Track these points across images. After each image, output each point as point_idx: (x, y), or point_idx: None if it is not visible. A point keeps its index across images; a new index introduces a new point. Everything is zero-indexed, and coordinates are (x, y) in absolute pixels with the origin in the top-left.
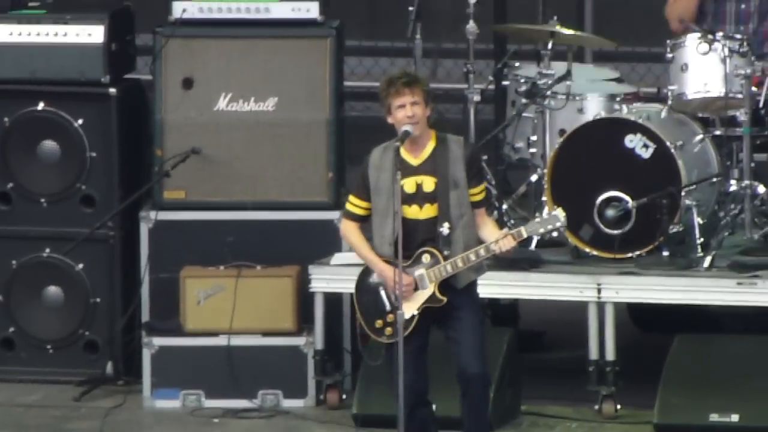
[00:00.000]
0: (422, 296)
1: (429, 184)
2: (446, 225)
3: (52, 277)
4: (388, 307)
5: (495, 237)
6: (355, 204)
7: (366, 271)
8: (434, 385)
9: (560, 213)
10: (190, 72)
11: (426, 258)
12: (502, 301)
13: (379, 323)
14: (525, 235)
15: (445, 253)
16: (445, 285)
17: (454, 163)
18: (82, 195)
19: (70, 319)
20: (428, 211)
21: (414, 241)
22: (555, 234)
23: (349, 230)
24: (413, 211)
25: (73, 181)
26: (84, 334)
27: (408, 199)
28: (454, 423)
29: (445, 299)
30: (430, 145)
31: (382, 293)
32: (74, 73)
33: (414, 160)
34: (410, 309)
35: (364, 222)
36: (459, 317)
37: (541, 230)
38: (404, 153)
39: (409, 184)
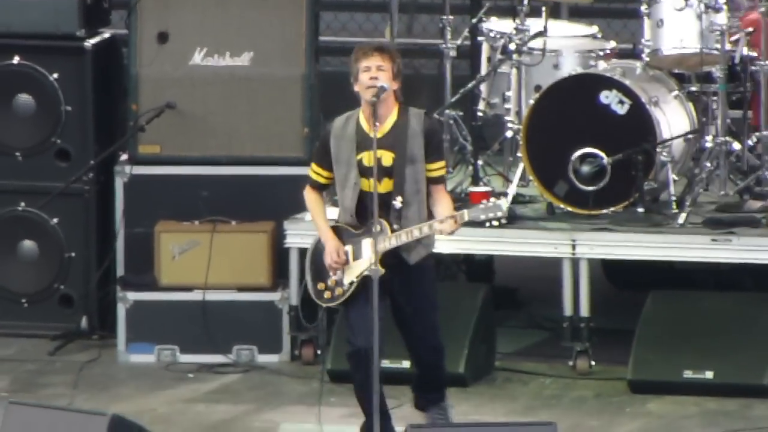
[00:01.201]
0: (363, 264)
1: (387, 158)
2: (399, 199)
3: (27, 231)
4: (330, 273)
5: (443, 216)
6: (317, 173)
7: (318, 241)
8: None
9: (503, 203)
10: (165, 26)
11: (376, 228)
12: (476, 257)
13: (321, 286)
14: (466, 219)
15: (395, 226)
16: (399, 261)
17: (413, 138)
18: (57, 149)
19: (44, 273)
20: (386, 185)
21: (370, 211)
22: (495, 222)
23: (310, 198)
24: (369, 184)
25: (48, 135)
26: (59, 288)
27: (366, 172)
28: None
29: (382, 270)
30: (391, 119)
31: (326, 258)
32: (49, 27)
33: (373, 133)
34: (349, 277)
35: (326, 189)
36: (409, 293)
37: (482, 217)
38: (364, 125)
39: (367, 158)
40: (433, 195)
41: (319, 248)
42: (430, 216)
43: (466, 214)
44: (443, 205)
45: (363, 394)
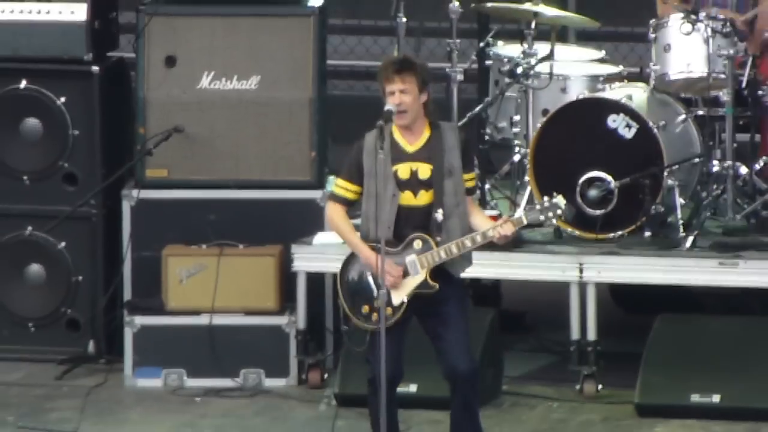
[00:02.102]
0: (413, 282)
1: (425, 171)
2: (440, 212)
3: (35, 255)
4: (375, 293)
5: (487, 223)
6: (343, 187)
7: (350, 258)
8: (415, 365)
9: (560, 200)
10: (173, 50)
11: (417, 244)
12: (484, 281)
13: (365, 309)
14: (525, 222)
15: (438, 239)
16: (440, 274)
17: (450, 151)
18: (65, 173)
19: (52, 297)
20: (423, 198)
21: (406, 227)
22: (554, 222)
23: (336, 214)
24: (407, 198)
25: (55, 158)
26: (66, 312)
27: (402, 185)
28: (434, 402)
29: (437, 285)
30: (426, 133)
31: (369, 278)
32: (57, 51)
33: (409, 147)
34: (399, 295)
35: (350, 206)
36: (447, 311)
37: (542, 217)
38: (399, 139)
39: (403, 170)
40: (467, 206)
41: (351, 271)
42: (470, 228)
43: (524, 218)
44: (478, 214)
45: (378, 420)
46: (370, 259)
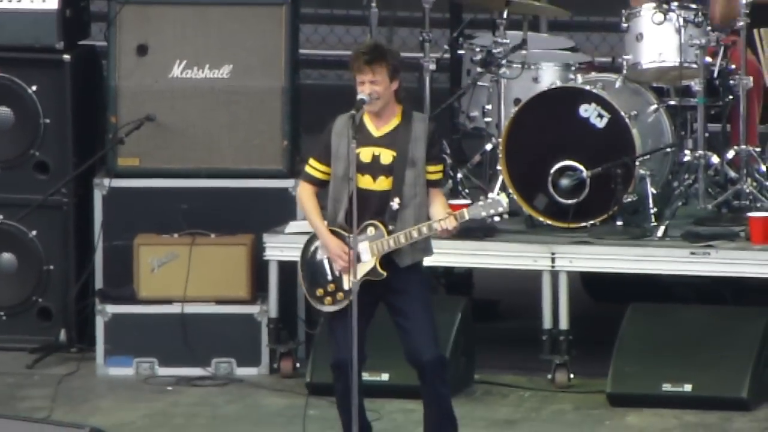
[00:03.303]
0: (363, 268)
1: (386, 156)
2: (396, 200)
3: (6, 244)
4: (329, 276)
5: (441, 215)
6: (314, 167)
7: (312, 239)
8: (387, 354)
9: (503, 199)
10: (145, 39)
11: (371, 231)
12: (456, 270)
13: (319, 292)
14: (467, 217)
15: (390, 227)
16: (389, 263)
17: (415, 141)
18: (36, 161)
19: (23, 286)
20: (381, 184)
21: (365, 212)
22: (497, 218)
23: (305, 193)
24: (366, 181)
25: (26, 147)
26: (37, 301)
27: (362, 168)
28: (407, 391)
29: (384, 273)
30: (395, 120)
31: (325, 262)
32: (28, 39)
33: (376, 131)
34: (348, 281)
35: (321, 187)
36: (405, 300)
37: (483, 213)
38: (368, 123)
39: (365, 154)
40: (431, 198)
41: (310, 253)
42: (428, 219)
43: (466, 213)
44: (438, 206)
45: (344, 406)
46: (327, 243)
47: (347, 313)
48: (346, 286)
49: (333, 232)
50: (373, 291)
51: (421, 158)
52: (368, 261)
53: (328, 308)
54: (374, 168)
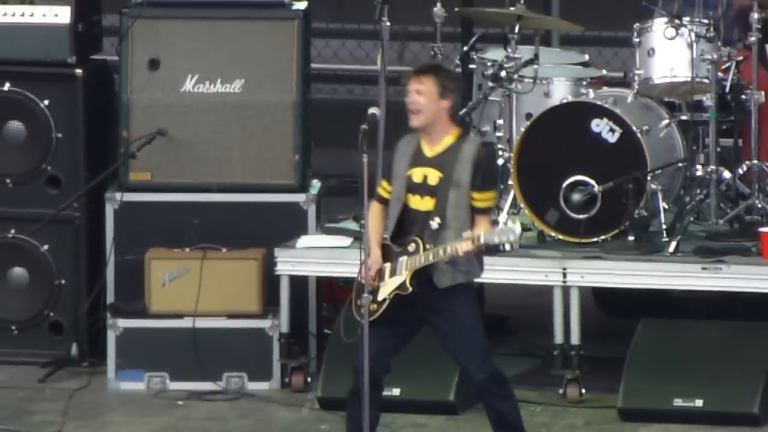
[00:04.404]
0: (394, 282)
1: (433, 177)
2: (437, 220)
3: (17, 258)
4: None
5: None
6: (383, 187)
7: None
8: (399, 368)
9: (517, 228)
10: (157, 53)
11: (411, 247)
12: None
13: (358, 302)
14: (482, 242)
15: (428, 246)
16: (428, 283)
17: (462, 164)
18: (48, 176)
19: (35, 301)
20: (426, 204)
21: (411, 230)
22: (508, 248)
23: (371, 211)
24: (415, 201)
25: (38, 162)
26: (49, 316)
27: (413, 189)
28: (418, 406)
29: (411, 288)
30: (448, 140)
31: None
32: (40, 54)
33: (429, 152)
34: (383, 293)
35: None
36: (445, 321)
37: (496, 240)
38: (423, 144)
39: (417, 174)
40: (475, 223)
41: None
42: None
43: (482, 236)
44: (473, 231)
45: (356, 418)
46: (368, 254)
47: (377, 325)
48: (379, 297)
49: (385, 246)
50: (412, 309)
51: (466, 182)
52: (402, 275)
53: (362, 318)
54: (423, 188)
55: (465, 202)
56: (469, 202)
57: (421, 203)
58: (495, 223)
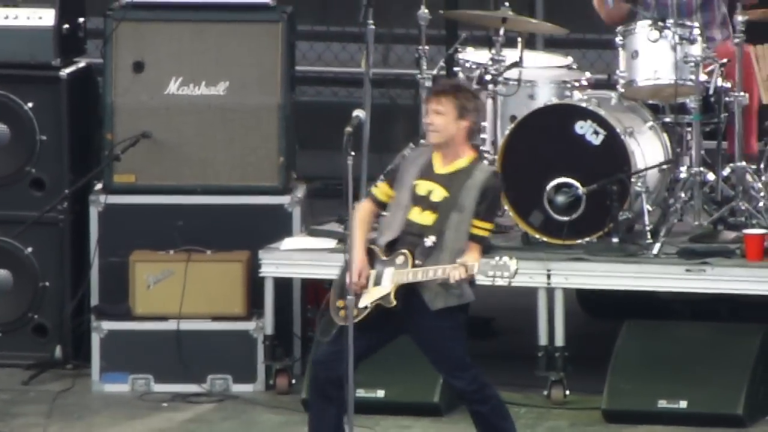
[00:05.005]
0: (378, 292)
1: (438, 194)
2: (432, 238)
3: (1, 261)
4: (348, 293)
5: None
6: (381, 190)
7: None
8: (383, 371)
9: (513, 265)
10: (141, 55)
11: (400, 259)
12: None
13: (339, 303)
14: (474, 271)
15: (417, 262)
16: (414, 300)
17: (469, 189)
18: (32, 178)
19: (18, 303)
20: (424, 218)
21: (404, 239)
22: (499, 282)
23: (362, 210)
24: (415, 213)
25: (22, 164)
26: (33, 318)
27: (417, 200)
28: (402, 408)
29: (394, 302)
30: (461, 162)
31: (347, 277)
32: (24, 56)
33: (440, 168)
34: (365, 300)
35: (381, 209)
36: (429, 343)
37: (490, 273)
38: (435, 158)
39: (422, 187)
40: (468, 251)
41: (344, 265)
42: None
43: (476, 266)
44: (467, 258)
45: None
46: (353, 258)
47: (356, 330)
48: (360, 304)
49: (370, 251)
50: (392, 320)
51: (470, 207)
52: (386, 287)
53: (341, 321)
54: (424, 202)
55: (465, 228)
56: (468, 229)
57: (420, 216)
58: (489, 249)
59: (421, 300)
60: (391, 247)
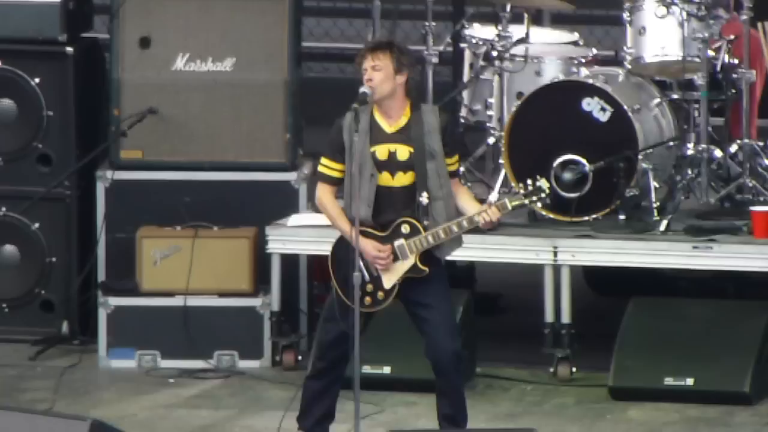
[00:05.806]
0: (403, 267)
1: (403, 152)
2: (425, 195)
3: (9, 236)
4: (367, 277)
5: (474, 207)
6: (329, 167)
7: (341, 241)
8: (389, 347)
9: (544, 183)
10: (148, 31)
11: (405, 228)
12: (458, 264)
13: (369, 287)
14: (509, 208)
15: (425, 223)
16: (427, 257)
17: (430, 134)
18: (39, 154)
19: (26, 278)
20: (401, 180)
21: (389, 209)
22: (539, 205)
23: (326, 197)
24: (385, 179)
25: (29, 139)
26: (40, 293)
27: (379, 166)
28: (409, 384)
29: (426, 269)
30: (406, 115)
31: (361, 264)
32: (31, 32)
33: (388, 128)
34: (391, 279)
35: (338, 185)
36: (426, 292)
37: (526, 201)
38: (380, 120)
39: (381, 151)
40: (454, 190)
41: (343, 256)
42: (456, 211)
43: (508, 203)
44: (465, 196)
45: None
46: (363, 248)
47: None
48: (386, 285)
49: (364, 234)
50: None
51: (439, 150)
52: (408, 259)
53: (368, 309)
54: (391, 164)
55: (443, 171)
56: (445, 170)
57: (393, 180)
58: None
59: (431, 255)
60: (376, 220)
